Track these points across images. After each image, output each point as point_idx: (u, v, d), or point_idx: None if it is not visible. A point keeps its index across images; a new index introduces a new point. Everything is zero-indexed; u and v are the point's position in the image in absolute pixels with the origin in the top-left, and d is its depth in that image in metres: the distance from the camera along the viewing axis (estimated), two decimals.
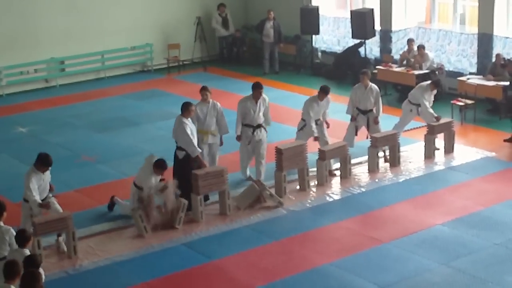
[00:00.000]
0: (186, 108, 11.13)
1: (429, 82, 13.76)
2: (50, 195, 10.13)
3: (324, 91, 12.53)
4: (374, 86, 13.22)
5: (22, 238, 8.08)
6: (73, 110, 17.07)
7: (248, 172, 12.39)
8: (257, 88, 12.11)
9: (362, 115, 13.27)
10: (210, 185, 10.94)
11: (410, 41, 17.29)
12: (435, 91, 13.57)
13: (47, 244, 10.02)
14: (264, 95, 12.22)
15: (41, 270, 7.50)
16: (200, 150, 11.15)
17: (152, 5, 20.56)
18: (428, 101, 13.39)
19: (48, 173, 9.99)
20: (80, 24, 19.45)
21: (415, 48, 17.08)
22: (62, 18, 19.19)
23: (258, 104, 12.12)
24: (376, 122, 13.15)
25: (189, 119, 11.14)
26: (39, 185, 9.81)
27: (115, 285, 9.28)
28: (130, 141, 14.55)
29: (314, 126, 12.41)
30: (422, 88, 13.57)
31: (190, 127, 11.06)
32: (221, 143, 12.25)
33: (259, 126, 12.21)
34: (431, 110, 13.30)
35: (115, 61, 20.12)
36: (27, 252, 7.97)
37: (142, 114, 16.38)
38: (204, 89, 11.97)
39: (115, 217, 11.07)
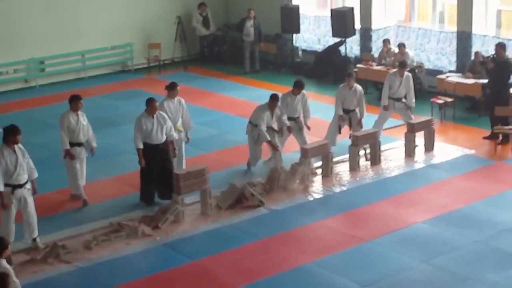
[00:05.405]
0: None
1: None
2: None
3: (298, 86, 12.64)
4: (359, 88, 13.27)
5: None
6: (53, 111, 16.86)
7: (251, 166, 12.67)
8: (273, 100, 12.34)
9: (344, 114, 13.31)
10: (191, 185, 10.93)
11: (385, 42, 17.41)
12: (405, 75, 13.58)
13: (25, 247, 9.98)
14: None
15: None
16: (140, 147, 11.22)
17: (132, 5, 20.48)
18: (391, 86, 13.54)
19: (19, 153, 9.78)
20: (60, 23, 19.34)
21: (392, 48, 17.18)
22: (41, 18, 19.06)
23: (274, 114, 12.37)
24: (361, 125, 13.19)
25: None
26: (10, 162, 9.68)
27: (95, 287, 9.24)
28: (111, 141, 14.47)
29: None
30: (389, 74, 13.94)
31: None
32: (188, 140, 12.39)
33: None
34: (384, 95, 13.62)
35: (95, 61, 20.03)
36: (4, 263, 7.70)
37: (123, 114, 16.30)
38: (173, 86, 12.09)
39: (94, 218, 11.00)
